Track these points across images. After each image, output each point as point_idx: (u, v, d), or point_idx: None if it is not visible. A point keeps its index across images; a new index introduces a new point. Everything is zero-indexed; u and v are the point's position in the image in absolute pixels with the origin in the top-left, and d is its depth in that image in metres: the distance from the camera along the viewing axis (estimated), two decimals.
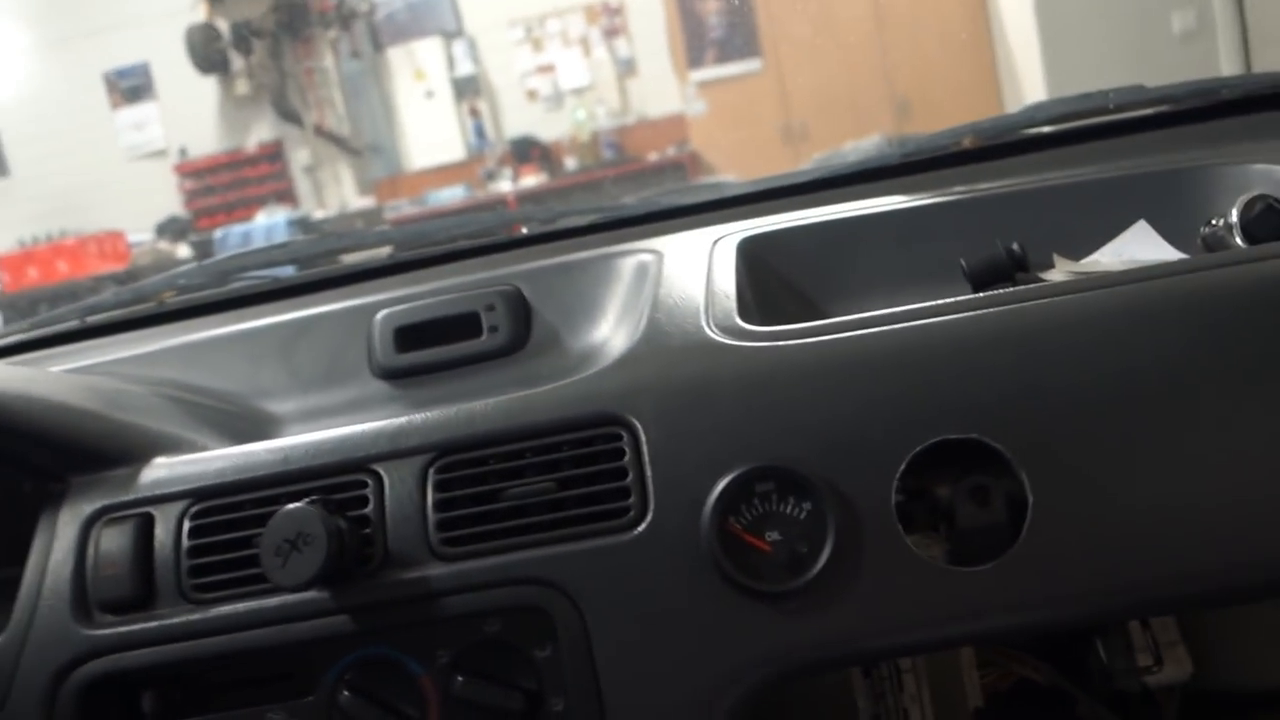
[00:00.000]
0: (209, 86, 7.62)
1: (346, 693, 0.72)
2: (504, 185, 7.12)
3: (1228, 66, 4.34)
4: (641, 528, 0.70)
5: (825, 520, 0.67)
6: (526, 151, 7.31)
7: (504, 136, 7.53)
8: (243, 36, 7.33)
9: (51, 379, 0.91)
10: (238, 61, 7.49)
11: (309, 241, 1.28)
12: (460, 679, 0.71)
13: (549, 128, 7.41)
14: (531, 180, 7.11)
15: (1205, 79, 1.05)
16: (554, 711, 0.71)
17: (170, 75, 7.58)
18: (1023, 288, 0.75)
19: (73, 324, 1.25)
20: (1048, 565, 0.65)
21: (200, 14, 7.21)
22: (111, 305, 1.26)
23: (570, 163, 7.27)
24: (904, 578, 0.66)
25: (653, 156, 7.00)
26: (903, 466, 0.68)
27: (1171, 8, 4.78)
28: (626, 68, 7.39)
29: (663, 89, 7.07)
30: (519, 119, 7.53)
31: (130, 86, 7.80)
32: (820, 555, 0.67)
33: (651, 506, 0.70)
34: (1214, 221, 0.87)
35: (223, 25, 7.33)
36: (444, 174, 7.39)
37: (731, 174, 6.17)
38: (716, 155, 6.64)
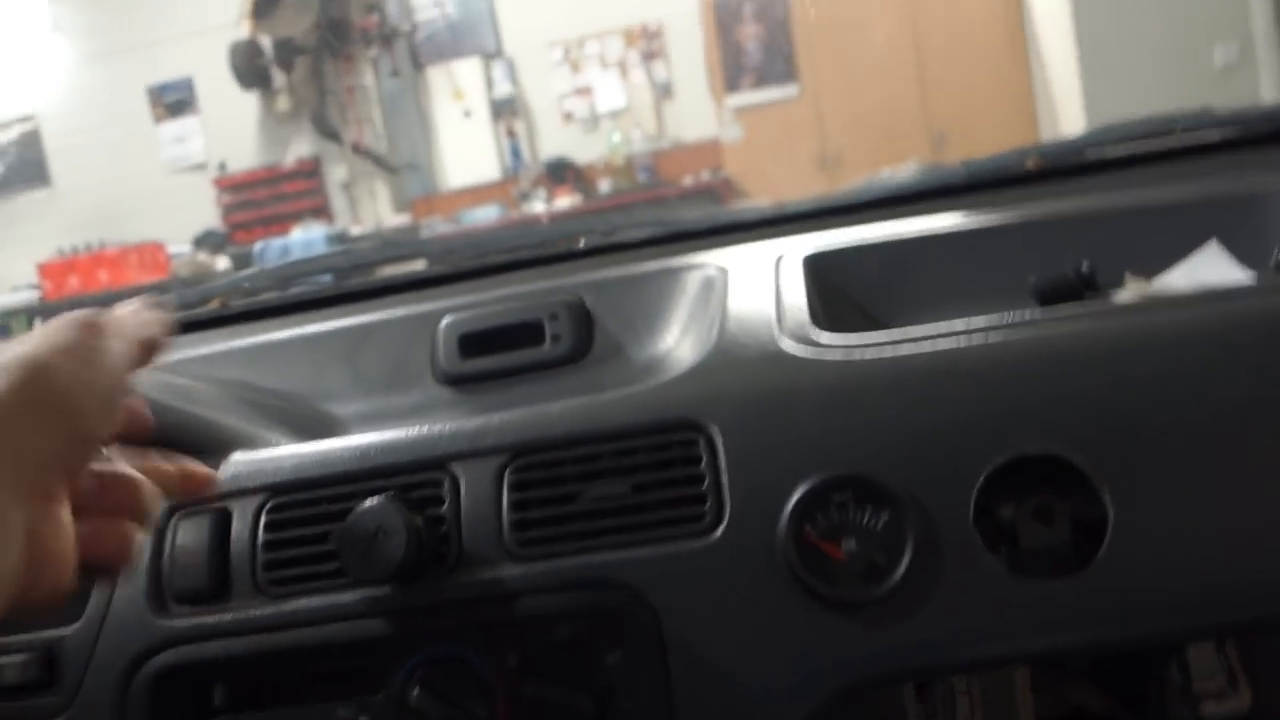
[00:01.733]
0: (250, 102, 7.74)
1: (417, 690, 0.72)
2: (538, 206, 7.17)
3: (1269, 98, 4.33)
4: (718, 533, 0.70)
5: (904, 530, 0.67)
6: (561, 173, 7.36)
7: (539, 158, 7.59)
8: (285, 53, 7.43)
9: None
10: (279, 78, 7.59)
11: (371, 249, 1.29)
12: (531, 681, 0.71)
13: (584, 150, 7.46)
14: (565, 202, 7.15)
15: (1272, 105, 1.05)
16: (624, 715, 0.71)
17: (213, 90, 7.70)
18: (1099, 304, 0.75)
19: None
20: (1127, 580, 0.65)
21: (244, 30, 7.32)
22: (175, 307, 1.28)
23: (604, 185, 7.32)
24: (983, 590, 0.66)
25: (687, 181, 7.03)
26: (982, 479, 0.68)
27: (1214, 40, 4.77)
28: (663, 91, 7.43)
29: (699, 113, 7.11)
30: (555, 140, 7.59)
31: (174, 100, 7.92)
32: (898, 566, 0.67)
33: (728, 512, 0.70)
34: None
35: (266, 42, 7.44)
36: (479, 193, 7.45)
37: (766, 200, 6.19)
38: (751, 181, 6.65)
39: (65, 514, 0.48)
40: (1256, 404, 0.67)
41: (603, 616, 0.71)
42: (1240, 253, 0.93)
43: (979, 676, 1.00)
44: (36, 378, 0.46)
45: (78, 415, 0.47)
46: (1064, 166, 1.12)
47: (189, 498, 0.64)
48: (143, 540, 0.52)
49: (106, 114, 7.78)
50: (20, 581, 0.46)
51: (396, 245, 1.28)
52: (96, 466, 0.51)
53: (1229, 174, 1.02)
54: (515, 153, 7.55)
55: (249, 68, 7.43)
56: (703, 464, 0.72)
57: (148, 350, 0.54)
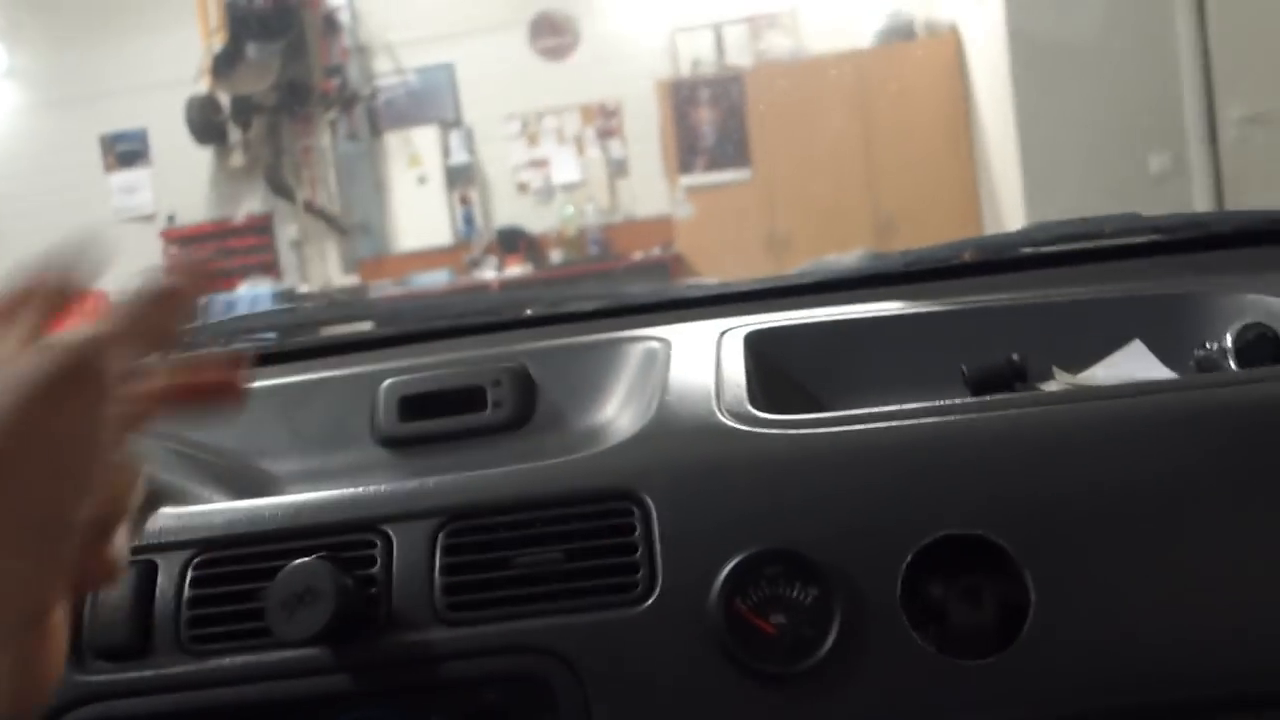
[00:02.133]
0: (204, 157, 7.71)
1: None
2: (489, 273, 7.19)
3: (1200, 207, 4.50)
4: (649, 602, 0.71)
5: (831, 606, 0.68)
6: (514, 242, 7.40)
7: (492, 225, 7.63)
8: (243, 111, 7.44)
9: None
10: (235, 134, 7.59)
11: (317, 308, 1.29)
12: None
13: (537, 220, 7.53)
14: (516, 270, 7.19)
15: (1197, 213, 1.10)
16: None
17: (167, 143, 7.66)
18: (1029, 394, 0.78)
19: None
20: (1049, 662, 0.66)
21: (203, 85, 7.32)
22: None
23: (556, 256, 7.37)
24: (907, 667, 0.67)
25: (637, 255, 7.10)
26: (909, 557, 0.69)
27: (1149, 150, 4.97)
28: (618, 168, 7.54)
29: (652, 190, 7.22)
30: (509, 209, 7.65)
31: (126, 151, 7.87)
32: (825, 640, 0.67)
33: (660, 582, 0.71)
34: (1208, 345, 0.90)
35: (224, 99, 7.44)
36: (429, 258, 7.46)
37: (714, 276, 6.27)
38: (700, 258, 6.74)
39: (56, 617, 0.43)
40: (1174, 494, 0.70)
41: (531, 683, 0.71)
42: (1162, 351, 0.96)
43: None
44: None
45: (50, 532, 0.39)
46: (999, 260, 1.16)
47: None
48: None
49: (56, 160, 7.71)
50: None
51: (343, 306, 1.28)
52: None
53: (1153, 276, 1.07)
54: (468, 219, 7.59)
55: (205, 123, 7.42)
56: (636, 534, 0.73)
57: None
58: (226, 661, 0.73)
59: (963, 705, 0.67)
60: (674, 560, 0.71)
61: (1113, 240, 1.13)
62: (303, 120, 7.66)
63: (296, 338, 1.27)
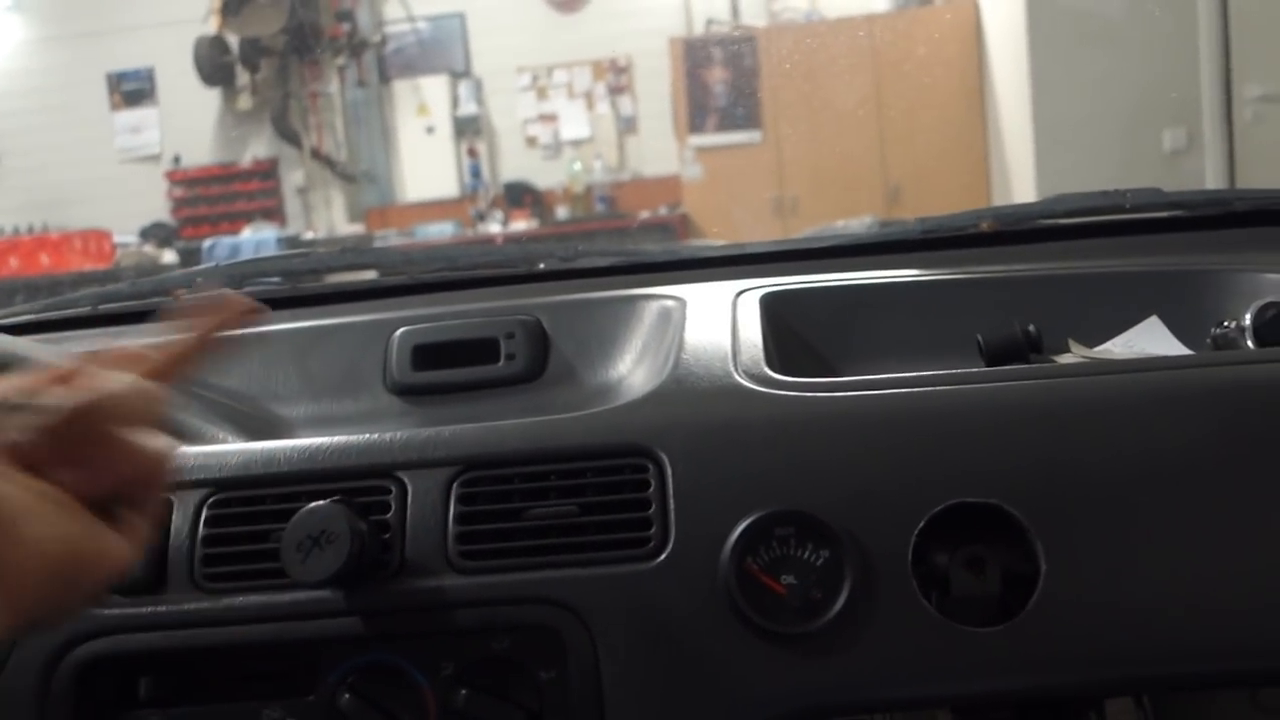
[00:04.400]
0: (211, 98, 7.65)
1: (348, 696, 0.72)
2: (494, 226, 7.17)
3: (1213, 184, 4.47)
4: (661, 558, 0.71)
5: (842, 568, 0.69)
6: (519, 196, 7.37)
7: (499, 179, 7.59)
8: (251, 53, 7.37)
9: (71, 355, 0.92)
10: (243, 77, 7.53)
11: (329, 254, 1.28)
12: (463, 693, 0.71)
13: (544, 176, 7.49)
14: (521, 225, 7.16)
15: (1219, 189, 1.09)
16: None
17: (173, 83, 7.60)
18: (1044, 365, 0.78)
19: (85, 310, 1.25)
20: (1057, 631, 0.67)
21: (212, 26, 7.25)
22: (127, 295, 1.26)
23: (561, 212, 7.34)
24: (915, 631, 0.67)
25: (644, 214, 7.07)
26: (922, 524, 0.69)
27: (1163, 126, 4.93)
28: (627, 125, 7.49)
29: (661, 149, 7.17)
30: (516, 164, 7.60)
31: (132, 90, 7.81)
32: (835, 602, 0.68)
33: (672, 539, 0.71)
34: (1225, 324, 0.90)
35: (232, 40, 7.38)
36: (435, 209, 7.43)
37: (720, 238, 6.25)
38: (707, 219, 6.72)
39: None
40: (1187, 470, 0.70)
41: (540, 633, 0.72)
42: (1179, 328, 0.96)
43: None
44: None
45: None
46: (1017, 231, 1.15)
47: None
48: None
49: (62, 97, 7.65)
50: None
51: (355, 252, 1.27)
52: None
53: (1173, 252, 1.06)
54: (475, 172, 7.55)
55: (213, 64, 7.36)
56: (651, 490, 0.73)
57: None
58: (239, 600, 0.73)
59: (970, 671, 0.67)
60: (687, 518, 0.72)
61: (1133, 214, 1.12)
62: (311, 65, 7.60)
63: (308, 283, 1.26)
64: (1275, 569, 0.68)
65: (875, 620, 0.68)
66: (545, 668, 0.72)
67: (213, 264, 1.28)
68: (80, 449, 0.46)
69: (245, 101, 7.62)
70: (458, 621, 0.72)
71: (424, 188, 7.61)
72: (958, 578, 0.73)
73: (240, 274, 1.29)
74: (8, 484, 0.43)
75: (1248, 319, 0.86)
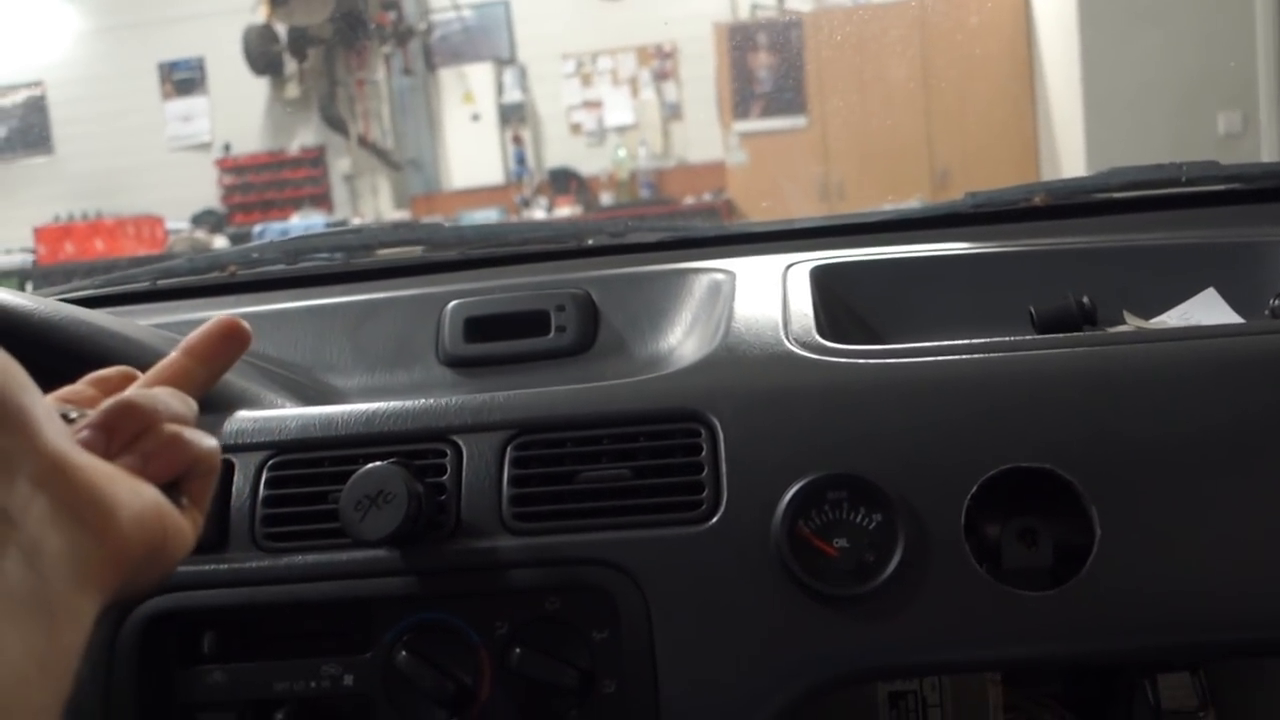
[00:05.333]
0: (260, 87, 7.75)
1: (404, 653, 0.73)
2: (539, 213, 7.20)
3: None
4: (713, 521, 0.72)
5: (895, 532, 0.69)
6: (564, 183, 7.39)
7: (543, 166, 7.62)
8: (299, 42, 7.45)
9: (141, 328, 0.94)
10: (291, 65, 7.61)
11: (381, 229, 1.30)
12: (517, 651, 0.72)
13: (589, 162, 7.50)
14: (566, 211, 7.18)
15: (1277, 162, 1.08)
16: (606, 693, 0.72)
17: (223, 72, 7.71)
18: (1098, 333, 0.77)
19: (144, 285, 1.27)
20: (1110, 597, 0.67)
21: (260, 15, 7.34)
22: (185, 271, 1.29)
23: (606, 198, 7.35)
24: (968, 595, 0.68)
25: (688, 200, 7.07)
26: (975, 489, 0.69)
27: (1219, 107, 4.84)
28: (672, 111, 7.48)
29: (706, 135, 7.15)
30: (561, 150, 7.63)
31: (183, 79, 7.93)
32: (888, 565, 0.68)
33: (724, 503, 0.72)
34: None
35: (281, 29, 7.46)
36: (480, 196, 7.47)
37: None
38: (752, 205, 6.70)
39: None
40: (1244, 436, 0.69)
41: (593, 594, 0.73)
42: (1236, 301, 0.95)
43: (952, 691, 1.01)
44: None
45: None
46: (1070, 205, 1.14)
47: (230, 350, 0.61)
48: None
49: (114, 86, 7.78)
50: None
51: (407, 227, 1.29)
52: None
53: (1230, 225, 1.05)
54: (520, 159, 7.58)
55: (262, 53, 7.45)
56: (703, 454, 0.74)
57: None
58: (299, 559, 0.75)
59: (1021, 635, 0.67)
60: (739, 481, 0.72)
61: (1190, 188, 1.11)
62: (358, 54, 7.67)
63: (360, 259, 1.28)
64: None
65: (927, 583, 0.68)
66: (598, 628, 0.73)
67: (267, 240, 1.30)
68: (135, 441, 0.50)
69: (293, 90, 7.71)
70: (512, 581, 0.73)
71: (469, 175, 7.66)
72: (1009, 549, 0.73)
73: (295, 249, 1.31)
74: (96, 461, 0.46)
75: None
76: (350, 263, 1.28)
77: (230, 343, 0.60)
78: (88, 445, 0.48)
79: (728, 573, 0.70)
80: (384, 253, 1.29)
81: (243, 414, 0.84)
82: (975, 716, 1.02)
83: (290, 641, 0.77)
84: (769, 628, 0.69)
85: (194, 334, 0.60)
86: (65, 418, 0.51)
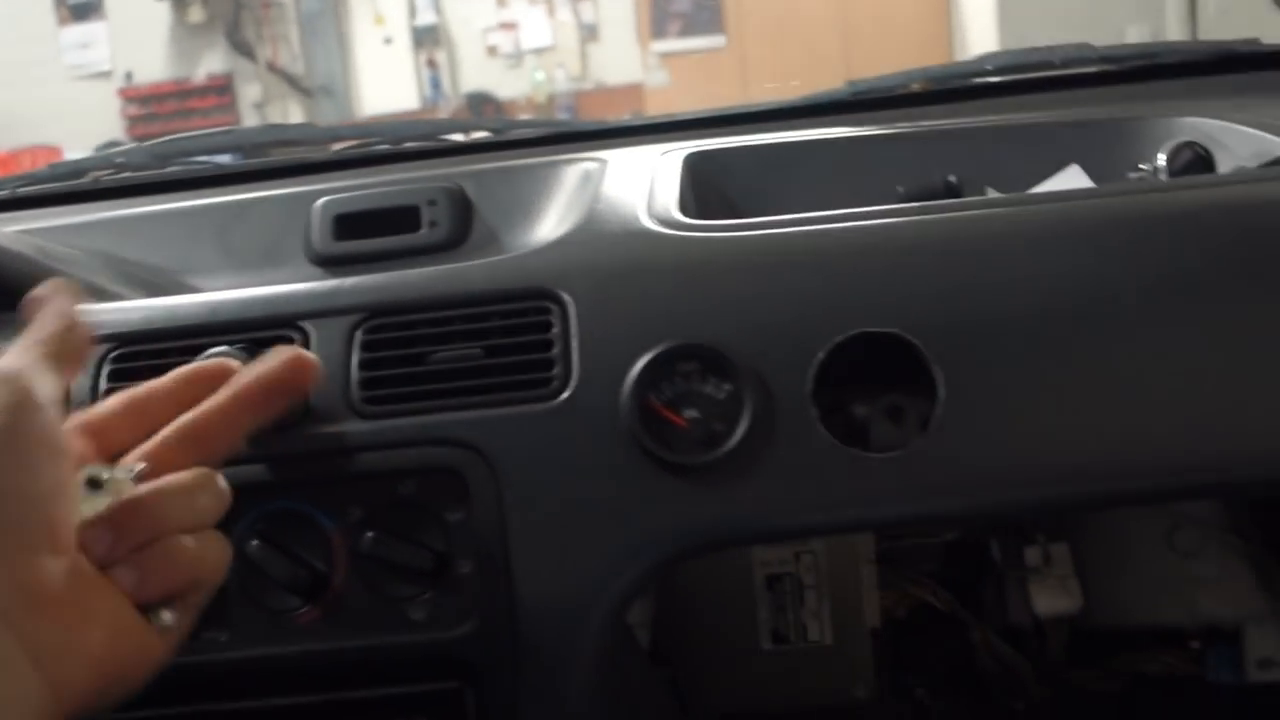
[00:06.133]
0: (161, 11, 7.45)
1: (255, 542, 0.72)
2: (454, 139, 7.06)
3: None
4: (563, 397, 0.71)
5: (743, 400, 0.69)
6: (481, 107, 7.27)
7: (459, 90, 7.46)
8: None
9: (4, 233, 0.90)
10: None
11: (252, 130, 1.26)
12: (369, 535, 0.71)
13: (506, 86, 7.37)
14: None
15: (1147, 43, 1.08)
16: (462, 574, 0.71)
17: None
18: (948, 201, 0.77)
19: (4, 194, 1.22)
20: (953, 456, 0.67)
21: None
22: (46, 178, 1.24)
23: None
24: (814, 459, 0.68)
25: (654, 115, 6.98)
26: (823, 355, 0.69)
27: (1128, 21, 4.89)
28: (589, 33, 7.36)
29: (624, 57, 7.06)
30: (477, 74, 7.47)
31: (78, 3, 7.59)
32: (735, 433, 0.68)
33: (575, 378, 0.71)
34: (1142, 166, 0.90)
35: None
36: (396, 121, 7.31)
37: None
38: None
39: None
40: (1087, 294, 0.70)
41: (446, 476, 0.71)
42: (1100, 175, 0.96)
43: (828, 571, 1.03)
44: None
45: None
46: (948, 90, 1.14)
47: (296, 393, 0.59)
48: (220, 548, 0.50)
49: (4, 11, 7.42)
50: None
51: (280, 128, 1.25)
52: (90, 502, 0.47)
53: (1098, 104, 1.05)
54: (435, 83, 7.42)
55: None
56: (554, 331, 0.73)
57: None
58: None
59: (866, 495, 0.68)
60: (590, 356, 0.71)
61: (1063, 70, 1.11)
62: None
63: (230, 163, 1.24)
64: (1172, 392, 0.68)
65: (774, 449, 0.68)
66: (452, 509, 0.72)
67: (133, 145, 1.25)
68: (139, 550, 0.47)
69: (197, 14, 7.43)
70: (363, 466, 0.72)
71: (383, 100, 7.49)
72: (878, 426, 0.74)
73: (164, 153, 1.27)
74: (76, 593, 0.44)
75: (1161, 160, 0.86)
76: (222, 166, 1.24)
77: (281, 396, 0.56)
78: (88, 544, 0.46)
79: (578, 448, 0.70)
80: (256, 155, 1.25)
81: (83, 308, 0.80)
82: (851, 594, 1.04)
83: None
84: (620, 500, 0.69)
85: (248, 374, 0.55)
86: (94, 481, 0.49)
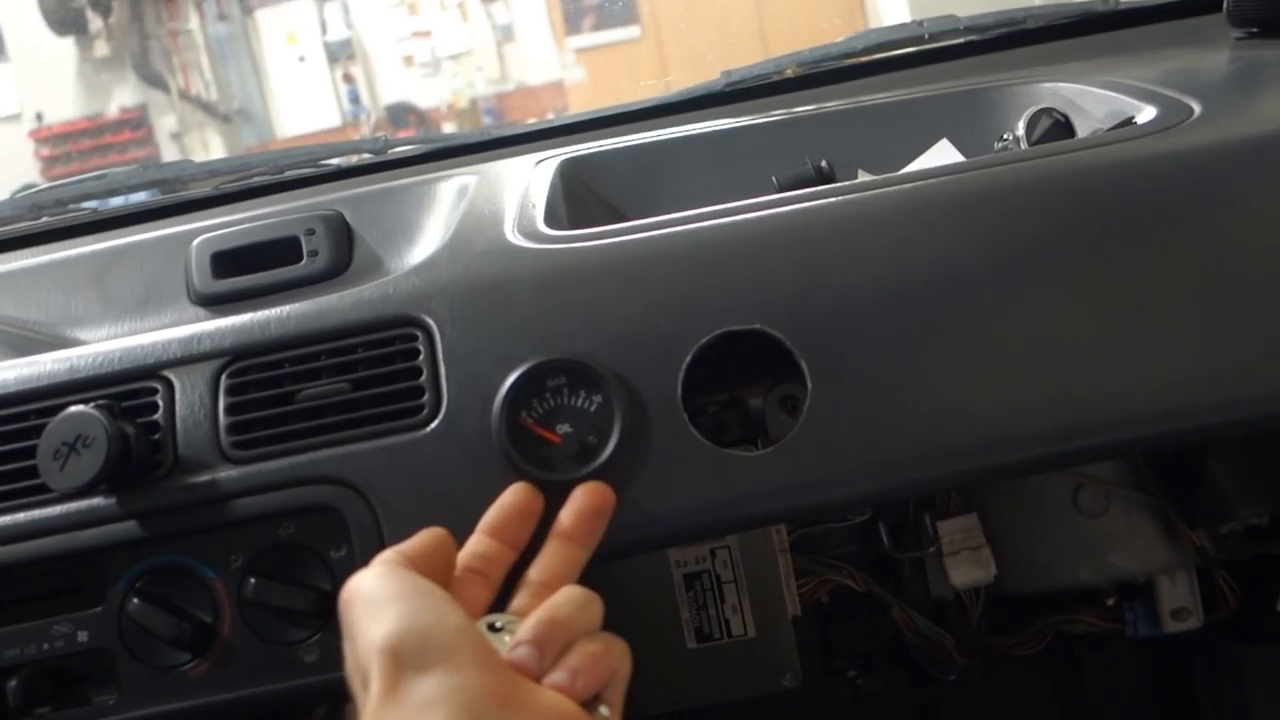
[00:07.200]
0: (66, 48, 7.28)
1: (136, 600, 0.71)
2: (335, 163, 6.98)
3: None
4: (434, 424, 0.70)
5: (613, 411, 0.68)
6: (403, 117, 7.19)
7: (380, 103, 7.38)
8: None
9: None
10: (96, 22, 7.17)
11: (127, 172, 1.23)
12: (253, 581, 0.70)
13: (427, 94, 7.29)
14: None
15: (1012, 10, 1.09)
16: None
17: (22, 36, 7.22)
18: (803, 191, 0.77)
19: None
20: (823, 448, 0.67)
21: None
22: None
23: (449, 129, 7.18)
24: (687, 464, 0.67)
25: (532, 122, 6.95)
26: (689, 358, 0.69)
27: None
28: (505, 34, 7.30)
29: (542, 55, 7.02)
30: (396, 85, 7.39)
31: None
32: (607, 445, 0.68)
33: (445, 403, 0.70)
34: (1005, 136, 0.90)
35: None
36: (318, 140, 7.22)
37: None
38: None
39: None
40: (940, 273, 0.70)
41: (324, 514, 0.71)
42: (971, 145, 0.96)
43: (744, 564, 1.03)
44: None
45: None
46: (821, 73, 1.14)
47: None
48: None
49: None
50: None
51: (155, 168, 1.21)
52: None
53: (967, 76, 1.06)
54: (354, 98, 7.33)
55: (61, 10, 6.99)
56: (421, 358, 0.72)
57: None
58: (7, 519, 0.71)
59: (742, 496, 0.68)
60: (458, 380, 0.71)
61: (931, 44, 1.12)
62: (167, 2, 7.26)
63: (104, 207, 1.21)
64: (1029, 365, 0.69)
65: (646, 456, 0.68)
66: (334, 547, 0.71)
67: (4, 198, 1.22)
68: (560, 655, 0.53)
69: (102, 48, 7.27)
70: (238, 512, 0.71)
71: (304, 120, 7.37)
72: (773, 418, 0.74)
73: (38, 203, 1.23)
74: (533, 693, 0.50)
75: (1020, 128, 0.87)
76: (97, 211, 1.21)
77: (596, 521, 0.65)
78: (522, 664, 0.52)
79: (452, 473, 0.69)
80: (132, 197, 1.23)
81: None
82: (769, 587, 1.04)
83: (18, 606, 0.73)
84: None
85: (565, 516, 0.64)
86: (491, 628, 0.55)
